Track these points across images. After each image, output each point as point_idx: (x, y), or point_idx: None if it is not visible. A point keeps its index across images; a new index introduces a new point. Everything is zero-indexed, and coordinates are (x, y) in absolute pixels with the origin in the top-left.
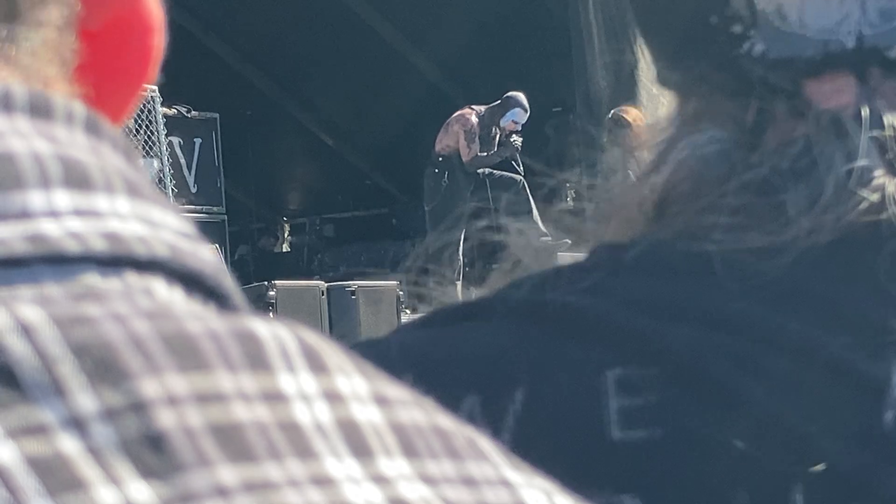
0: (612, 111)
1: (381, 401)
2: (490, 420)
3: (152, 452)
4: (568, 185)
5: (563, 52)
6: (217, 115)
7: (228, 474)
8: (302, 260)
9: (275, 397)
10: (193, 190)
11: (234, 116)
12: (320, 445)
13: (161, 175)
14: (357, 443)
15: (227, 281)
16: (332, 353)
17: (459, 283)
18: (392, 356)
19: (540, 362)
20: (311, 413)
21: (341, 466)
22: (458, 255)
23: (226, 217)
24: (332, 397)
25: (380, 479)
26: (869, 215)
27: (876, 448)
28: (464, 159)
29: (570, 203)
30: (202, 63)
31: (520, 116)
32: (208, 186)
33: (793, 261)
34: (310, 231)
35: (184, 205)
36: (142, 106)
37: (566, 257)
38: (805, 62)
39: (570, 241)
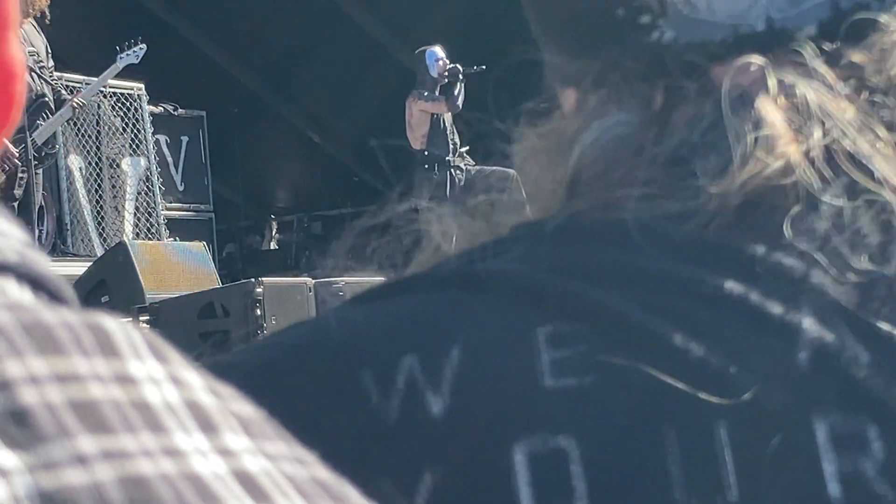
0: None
1: (215, 392)
2: (428, 376)
3: (17, 426)
4: None
5: None
6: (204, 113)
7: (88, 444)
8: (290, 257)
9: (126, 380)
10: (181, 188)
11: (220, 114)
12: (170, 421)
13: (148, 173)
14: (204, 420)
15: (68, 289)
16: (170, 348)
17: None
18: (332, 330)
19: (474, 323)
20: (160, 393)
21: (190, 440)
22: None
23: (213, 215)
24: (178, 382)
25: (225, 452)
26: (776, 180)
27: (793, 385)
28: (446, 109)
29: None
30: (188, 61)
31: (436, 55)
32: (196, 184)
33: (704, 223)
34: (297, 229)
35: (171, 203)
36: (128, 104)
37: None
38: (716, 45)
39: None
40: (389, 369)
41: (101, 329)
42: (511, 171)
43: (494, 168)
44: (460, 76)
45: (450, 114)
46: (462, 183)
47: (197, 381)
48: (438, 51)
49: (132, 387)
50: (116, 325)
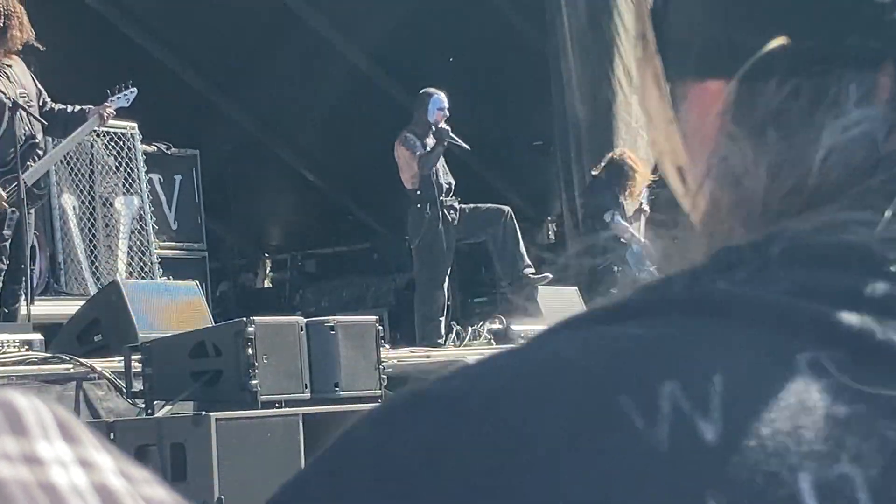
0: (617, 154)
1: (126, 475)
2: (694, 402)
3: None
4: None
5: (542, 84)
6: (197, 152)
7: None
8: (284, 296)
9: (34, 460)
10: (174, 227)
11: (214, 153)
12: None
13: (142, 212)
14: None
15: None
16: (82, 427)
17: (443, 318)
18: (570, 356)
19: (728, 349)
20: (67, 476)
21: None
22: (442, 292)
23: (206, 254)
24: (87, 464)
25: None
26: None
27: None
28: (417, 168)
29: (552, 237)
30: (181, 99)
31: (440, 102)
32: (189, 223)
33: None
34: (291, 267)
35: (164, 241)
36: (122, 143)
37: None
38: None
39: (550, 276)
40: (651, 395)
41: (11, 406)
42: (506, 207)
43: (489, 205)
44: (444, 141)
45: (440, 153)
46: (455, 222)
47: (107, 464)
48: (443, 99)
49: (39, 468)
50: (27, 403)
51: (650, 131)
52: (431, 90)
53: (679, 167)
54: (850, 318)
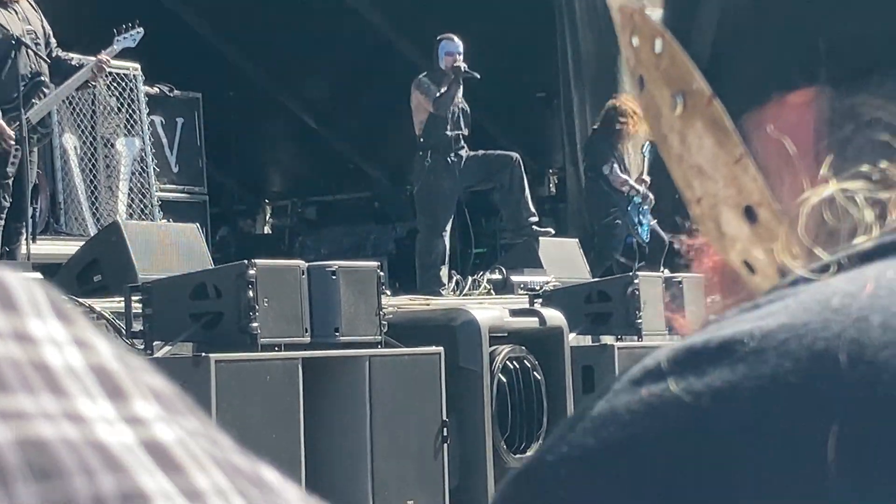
0: (612, 103)
1: (124, 360)
2: None
3: None
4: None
5: (546, 35)
6: (200, 95)
7: None
8: (283, 242)
9: (25, 338)
10: (175, 170)
11: (216, 97)
12: (72, 386)
13: (143, 154)
14: (111, 387)
15: None
16: (77, 310)
17: (444, 267)
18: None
19: None
20: (62, 356)
21: (94, 407)
22: (442, 240)
23: (207, 198)
24: (82, 344)
25: (134, 420)
26: None
27: None
28: (432, 109)
29: (553, 190)
30: (185, 42)
31: (450, 46)
32: (190, 167)
33: None
34: (291, 213)
35: (165, 184)
36: (124, 84)
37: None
38: None
39: (553, 231)
40: None
41: (2, 283)
42: (514, 154)
43: (497, 152)
44: (459, 79)
45: (462, 103)
46: (459, 172)
47: (104, 346)
48: (451, 44)
49: (31, 346)
50: (17, 281)
51: (697, 186)
52: (444, 35)
53: (748, 207)
54: None
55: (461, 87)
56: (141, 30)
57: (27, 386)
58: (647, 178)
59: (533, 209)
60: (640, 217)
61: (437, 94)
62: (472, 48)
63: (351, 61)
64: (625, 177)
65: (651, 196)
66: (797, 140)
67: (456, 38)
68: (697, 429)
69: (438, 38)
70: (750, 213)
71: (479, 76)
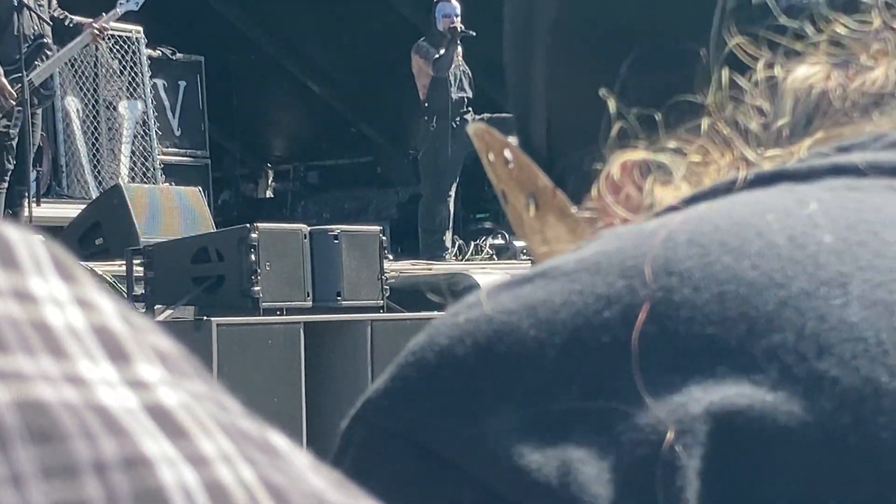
0: None
1: (128, 320)
2: None
3: None
4: None
5: None
6: (202, 59)
7: None
8: (286, 206)
9: (25, 297)
10: (177, 133)
11: (219, 60)
12: (73, 347)
13: (145, 117)
14: (113, 348)
15: None
16: (81, 268)
17: (449, 232)
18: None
19: None
20: (63, 316)
21: (96, 369)
22: (445, 205)
23: (209, 161)
24: (84, 304)
25: (138, 384)
26: None
27: None
28: (431, 72)
29: None
30: (187, 5)
31: (448, 8)
32: (192, 130)
33: None
34: (293, 178)
35: (168, 147)
36: (126, 47)
37: None
38: None
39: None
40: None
41: (2, 239)
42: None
43: (494, 115)
44: (457, 40)
45: (462, 65)
46: (464, 135)
47: (108, 306)
48: (448, 6)
49: (31, 305)
50: (19, 237)
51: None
52: None
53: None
54: None
55: (459, 47)
56: None
57: (27, 346)
58: None
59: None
60: None
61: (436, 56)
62: (473, 7)
63: (354, 25)
64: None
65: None
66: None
67: (452, 0)
68: (506, 339)
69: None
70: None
71: (474, 34)
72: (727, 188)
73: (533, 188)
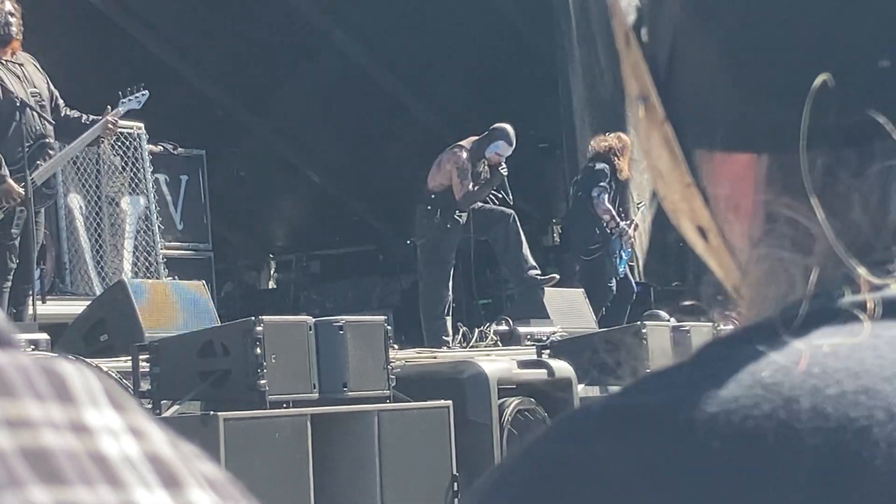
0: (603, 138)
1: (177, 446)
2: None
3: None
4: (554, 221)
5: (550, 88)
6: (203, 152)
7: (40, 495)
8: (288, 297)
9: (82, 429)
10: (180, 227)
11: (220, 153)
12: (129, 476)
13: (147, 212)
14: (167, 475)
15: (16, 333)
16: (130, 397)
17: (449, 318)
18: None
19: None
20: (118, 445)
21: (151, 497)
22: (448, 291)
23: (212, 254)
24: (138, 433)
25: None
26: None
27: None
28: (457, 197)
29: (556, 239)
30: (188, 100)
31: (503, 149)
32: (195, 223)
33: None
34: (296, 268)
35: (170, 241)
36: (128, 143)
37: (554, 293)
38: None
39: (557, 277)
40: None
41: (56, 373)
42: (510, 210)
43: (494, 207)
44: (495, 186)
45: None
46: (462, 222)
47: (157, 433)
48: (505, 147)
49: (88, 437)
50: (73, 370)
51: (660, 187)
52: (506, 129)
53: (699, 226)
54: None
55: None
56: (146, 92)
57: (85, 478)
58: (633, 217)
59: (533, 262)
60: (621, 251)
61: (469, 189)
62: (478, 100)
63: (357, 117)
64: (609, 206)
65: (630, 233)
66: (738, 192)
67: (512, 140)
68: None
69: (498, 127)
70: (702, 233)
71: (511, 200)
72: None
73: (646, 94)
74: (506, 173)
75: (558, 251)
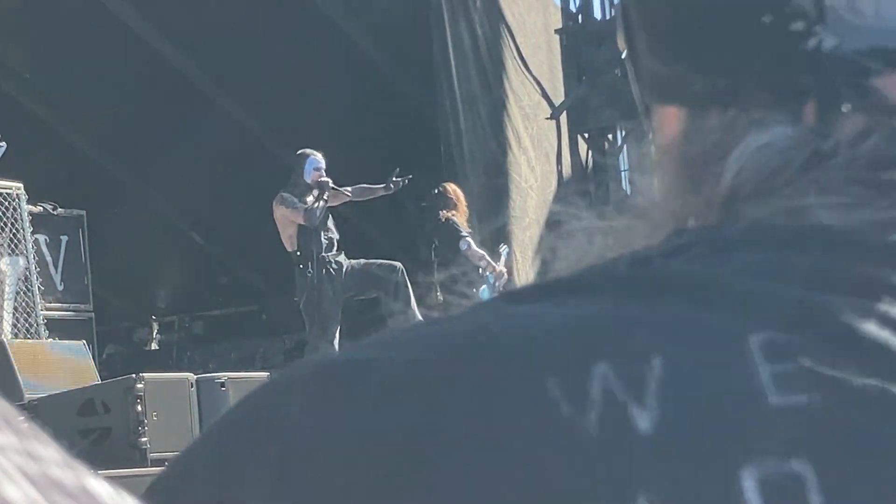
0: (445, 184)
1: (70, 465)
2: (628, 386)
3: None
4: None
5: (431, 146)
6: (84, 213)
7: None
8: (171, 358)
9: None
10: (60, 288)
11: (101, 213)
12: None
13: (27, 273)
14: None
15: None
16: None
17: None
18: (497, 332)
19: (672, 330)
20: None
21: None
22: (334, 347)
23: (93, 315)
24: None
25: None
26: None
27: None
28: (303, 221)
29: (441, 299)
30: (68, 160)
31: (316, 163)
32: (75, 284)
33: None
34: (179, 329)
35: (50, 303)
36: (7, 203)
37: None
38: (892, 53)
39: None
40: (579, 378)
41: None
42: (397, 263)
43: (380, 261)
44: (325, 192)
45: (325, 207)
46: (343, 276)
47: (53, 455)
48: (319, 159)
49: None
50: None
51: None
52: (308, 151)
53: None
54: (821, 298)
55: (326, 201)
56: (3, 144)
57: None
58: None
59: (420, 316)
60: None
61: (307, 206)
62: (355, 158)
63: (243, 179)
64: (482, 252)
65: (505, 273)
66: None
67: (319, 154)
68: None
69: (303, 153)
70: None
71: (349, 194)
72: None
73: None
74: (327, 179)
75: (443, 310)
